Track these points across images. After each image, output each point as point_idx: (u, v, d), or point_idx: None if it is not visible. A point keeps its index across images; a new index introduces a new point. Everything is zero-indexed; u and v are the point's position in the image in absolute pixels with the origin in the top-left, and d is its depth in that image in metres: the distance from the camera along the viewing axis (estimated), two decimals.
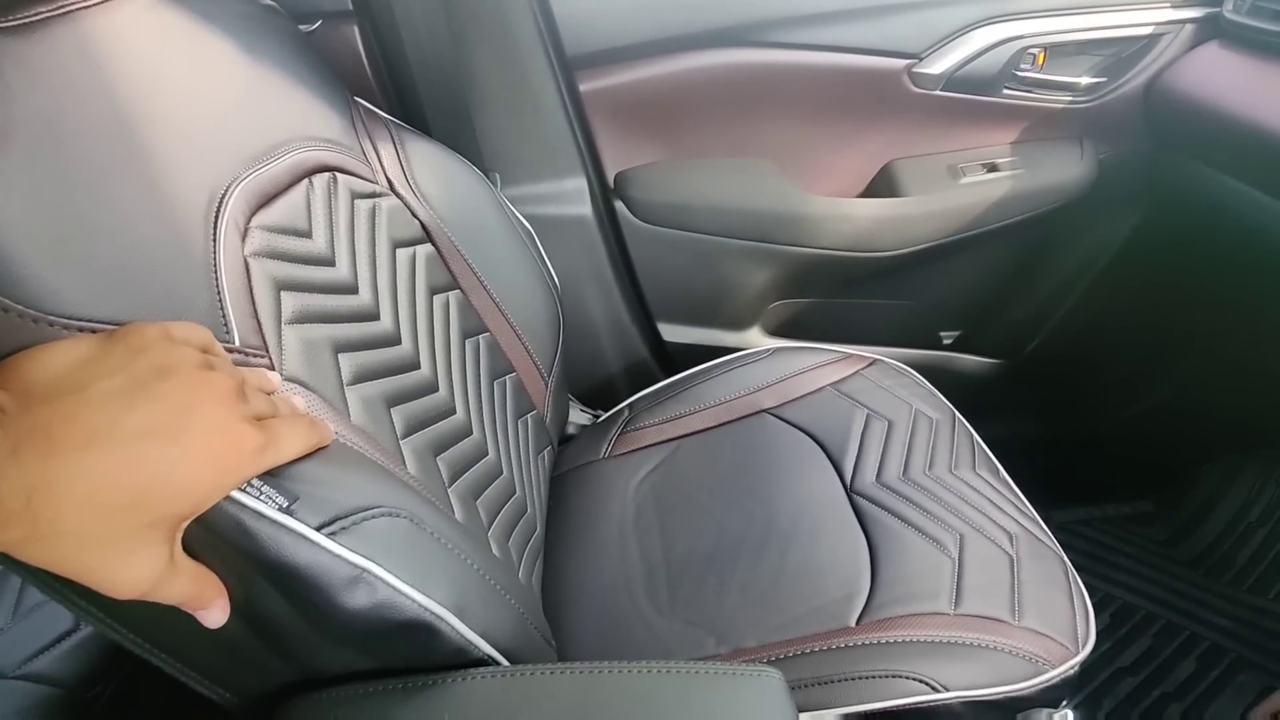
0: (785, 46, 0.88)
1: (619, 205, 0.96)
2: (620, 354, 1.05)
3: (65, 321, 0.35)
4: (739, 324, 1.08)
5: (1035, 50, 0.90)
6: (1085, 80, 0.92)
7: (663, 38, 0.86)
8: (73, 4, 0.46)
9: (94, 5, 0.48)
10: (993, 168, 0.97)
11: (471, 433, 0.69)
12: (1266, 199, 0.80)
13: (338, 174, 0.64)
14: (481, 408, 0.72)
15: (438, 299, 0.72)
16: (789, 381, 0.89)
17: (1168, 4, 0.88)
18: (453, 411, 0.67)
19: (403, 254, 0.69)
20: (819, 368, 0.90)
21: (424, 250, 0.72)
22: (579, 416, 0.99)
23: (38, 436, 0.28)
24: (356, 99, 0.74)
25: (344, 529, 0.39)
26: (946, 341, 1.17)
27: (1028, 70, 0.91)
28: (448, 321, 0.72)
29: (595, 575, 0.76)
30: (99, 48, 0.47)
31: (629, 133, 0.94)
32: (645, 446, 0.88)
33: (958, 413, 0.85)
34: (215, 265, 0.46)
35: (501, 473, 0.71)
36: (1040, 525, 0.73)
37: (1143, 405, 1.20)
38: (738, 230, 0.98)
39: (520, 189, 0.90)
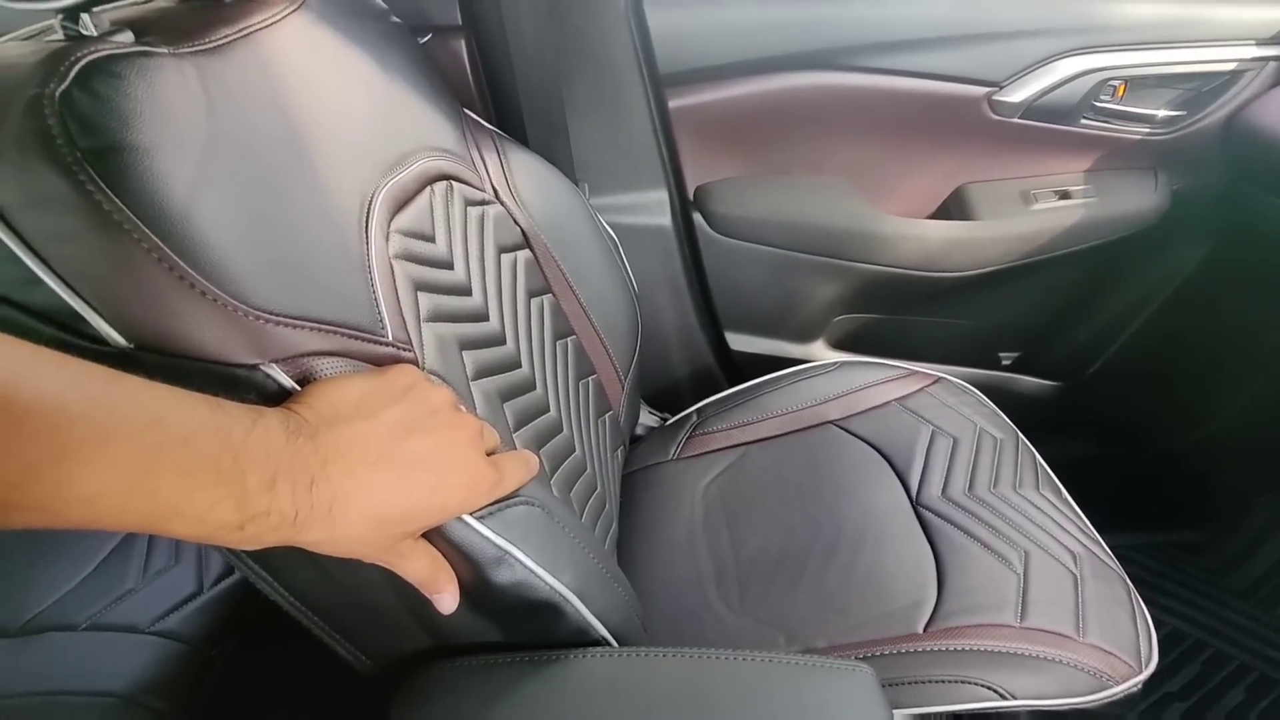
0: (870, 71, 0.90)
1: (697, 217, 1.00)
2: (688, 360, 1.08)
3: (267, 316, 0.40)
4: (805, 336, 1.11)
5: (1116, 82, 0.91)
6: (1163, 113, 0.94)
7: (751, 59, 0.90)
8: (252, 25, 0.51)
9: (267, 25, 0.53)
10: (1065, 195, 0.99)
11: (562, 429, 0.73)
12: None
13: (454, 182, 0.69)
14: (569, 406, 0.76)
15: (534, 302, 0.76)
16: (855, 395, 0.92)
17: (1252, 41, 0.89)
18: (547, 409, 0.71)
19: (506, 259, 0.74)
20: (884, 383, 0.93)
21: (523, 255, 0.76)
22: (647, 418, 1.03)
23: (340, 454, 0.34)
24: (465, 109, 0.79)
25: (492, 514, 0.43)
26: (1006, 362, 1.19)
27: (1107, 101, 0.93)
28: (542, 323, 0.76)
29: (667, 570, 0.80)
30: (272, 63, 0.52)
31: (711, 148, 0.97)
32: (713, 451, 0.91)
33: (1020, 433, 0.88)
34: (369, 266, 0.50)
35: (586, 469, 0.75)
36: (1102, 546, 0.75)
37: (1199, 434, 1.21)
38: (810, 246, 1.01)
39: (606, 198, 0.94)
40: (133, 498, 0.27)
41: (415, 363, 0.50)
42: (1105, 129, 0.95)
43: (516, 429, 0.63)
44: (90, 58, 0.38)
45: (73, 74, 0.36)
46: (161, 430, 0.27)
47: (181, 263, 0.36)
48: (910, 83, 0.92)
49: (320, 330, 0.42)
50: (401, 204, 0.60)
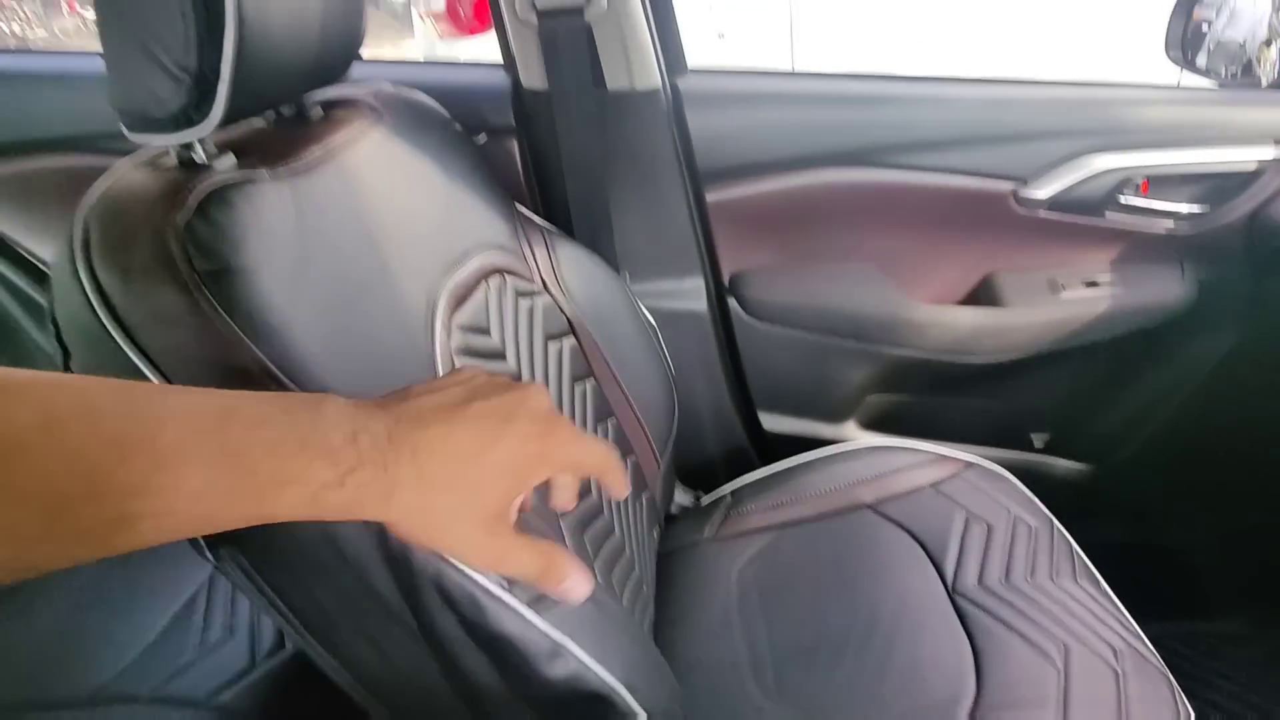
0: (897, 168, 0.95)
1: (732, 302, 1.04)
2: (722, 438, 1.11)
3: None
4: (837, 416, 1.13)
5: (1138, 179, 0.95)
6: (1186, 209, 0.97)
7: (784, 158, 0.95)
8: (338, 143, 0.57)
9: (351, 143, 0.58)
10: (1092, 284, 1.01)
11: (603, 513, 0.75)
12: None
13: (507, 275, 0.73)
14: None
15: (578, 386, 0.80)
16: (888, 478, 0.93)
17: (1270, 141, 0.92)
18: (589, 492, 0.74)
19: (553, 346, 0.77)
20: (918, 467, 0.94)
21: (568, 342, 0.80)
22: (681, 496, 1.05)
23: (408, 414, 0.34)
24: (516, 204, 0.85)
25: (547, 606, 0.45)
26: (1038, 444, 1.19)
27: (1130, 197, 0.96)
28: (585, 408, 0.80)
29: (704, 654, 0.80)
30: (354, 178, 0.57)
31: (746, 237, 1.02)
32: (749, 532, 0.93)
33: (1055, 520, 0.88)
34: (435, 364, 0.54)
35: (625, 550, 0.77)
36: (1143, 640, 0.75)
37: (1238, 521, 1.19)
38: (841, 330, 1.04)
39: (646, 285, 0.99)
40: (236, 480, 0.29)
41: None
42: (1130, 223, 0.98)
43: (564, 514, 0.65)
44: (208, 189, 0.43)
45: (194, 205, 0.41)
46: (237, 419, 0.30)
47: (279, 373, 0.40)
48: (937, 178, 0.96)
49: None
50: (461, 299, 0.64)
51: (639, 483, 0.88)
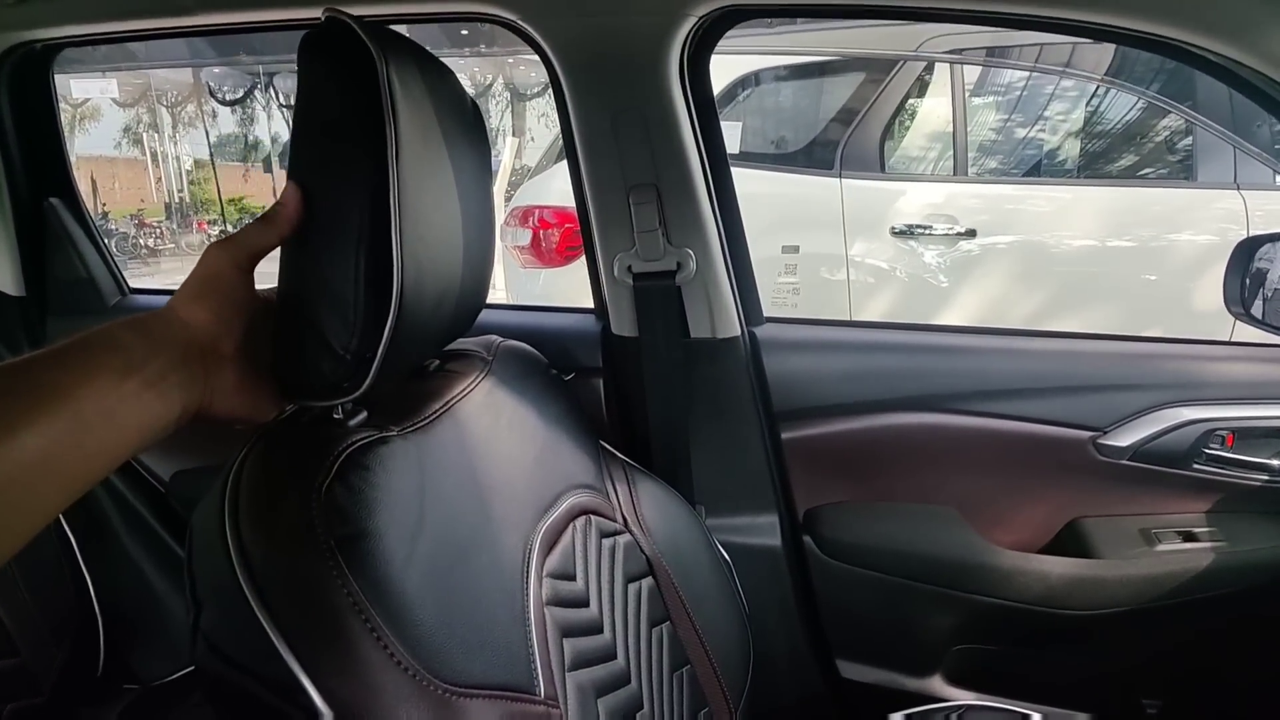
0: (972, 414, 0.97)
1: (806, 540, 1.02)
2: (797, 687, 1.04)
3: (453, 689, 0.43)
4: (922, 669, 1.05)
5: (1223, 432, 0.94)
6: (1278, 463, 0.94)
7: (858, 401, 0.98)
8: (454, 398, 0.62)
9: (464, 396, 0.63)
10: (1190, 537, 0.97)
11: None
12: None
13: (593, 516, 0.75)
14: None
15: (654, 631, 0.77)
16: None
17: None
18: None
19: (633, 588, 0.77)
20: None
21: (647, 583, 0.79)
22: None
23: None
24: (601, 442, 0.88)
25: None
26: (1151, 711, 1.08)
27: (1217, 449, 0.95)
28: (662, 655, 0.77)
29: None
30: (466, 430, 0.61)
31: (820, 474, 1.02)
32: None
33: None
34: (528, 619, 0.54)
35: None
36: None
37: None
38: (921, 574, 1.00)
39: (721, 520, 0.99)
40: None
41: None
42: (1221, 475, 0.95)
43: None
44: (346, 451, 0.47)
45: (334, 468, 0.45)
46: None
47: (394, 639, 0.41)
48: (1012, 425, 0.97)
49: (489, 698, 0.45)
50: (551, 545, 0.65)
51: None
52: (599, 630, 0.67)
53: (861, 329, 1.16)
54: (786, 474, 1.02)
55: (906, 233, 2.23)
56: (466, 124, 0.61)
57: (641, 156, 0.87)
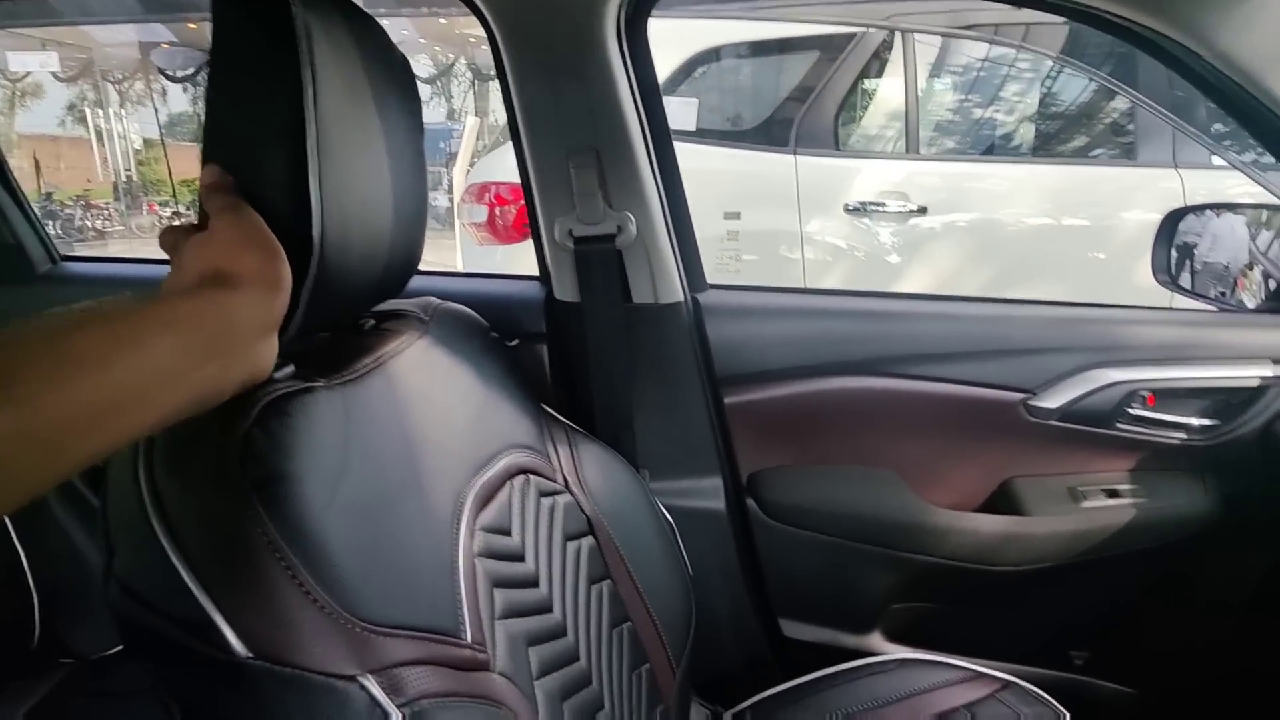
0: (908, 378, 0.99)
1: (750, 503, 1.04)
2: (741, 647, 1.06)
3: (372, 628, 0.43)
4: (861, 626, 1.08)
5: (1144, 392, 0.98)
6: (1198, 421, 0.99)
7: (799, 366, 1.00)
8: (386, 354, 0.62)
9: (398, 354, 0.63)
10: (1114, 493, 1.01)
11: None
12: None
13: (531, 475, 0.75)
14: (626, 702, 0.75)
15: (594, 589, 0.79)
16: (919, 699, 0.88)
17: (1268, 360, 0.96)
18: (602, 706, 0.70)
19: (571, 546, 0.78)
20: (949, 686, 0.89)
21: (587, 542, 0.80)
22: (698, 712, 0.98)
23: None
24: (543, 405, 0.89)
25: None
26: (1078, 662, 1.12)
27: (1139, 409, 0.98)
28: (601, 611, 0.78)
29: None
30: (398, 387, 0.61)
31: (763, 438, 1.04)
32: None
33: None
34: (456, 567, 0.55)
35: None
36: None
37: None
38: (861, 535, 1.03)
39: (664, 484, 1.00)
40: None
41: (487, 664, 0.53)
42: (1143, 434, 0.99)
43: None
44: (268, 399, 0.46)
45: (254, 415, 0.45)
46: None
47: (310, 579, 0.41)
48: (947, 388, 1.00)
49: (412, 638, 0.46)
50: (486, 500, 0.66)
51: (654, 696, 0.83)
52: (534, 584, 0.68)
53: (803, 295, 1.18)
54: (730, 438, 1.03)
55: (860, 210, 2.26)
56: (396, 79, 0.61)
57: (580, 119, 0.87)
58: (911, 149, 2.40)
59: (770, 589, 1.06)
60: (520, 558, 0.68)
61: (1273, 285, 1.08)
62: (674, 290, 0.96)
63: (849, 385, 1.01)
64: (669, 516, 0.93)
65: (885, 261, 2.28)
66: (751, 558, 1.05)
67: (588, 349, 0.92)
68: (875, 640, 1.10)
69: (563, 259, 0.93)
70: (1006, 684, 0.90)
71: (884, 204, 2.26)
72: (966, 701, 0.87)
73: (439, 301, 0.79)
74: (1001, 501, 1.05)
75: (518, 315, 1.01)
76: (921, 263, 2.25)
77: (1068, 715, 0.86)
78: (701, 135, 2.31)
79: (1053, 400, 0.99)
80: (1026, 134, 2.69)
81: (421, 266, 0.68)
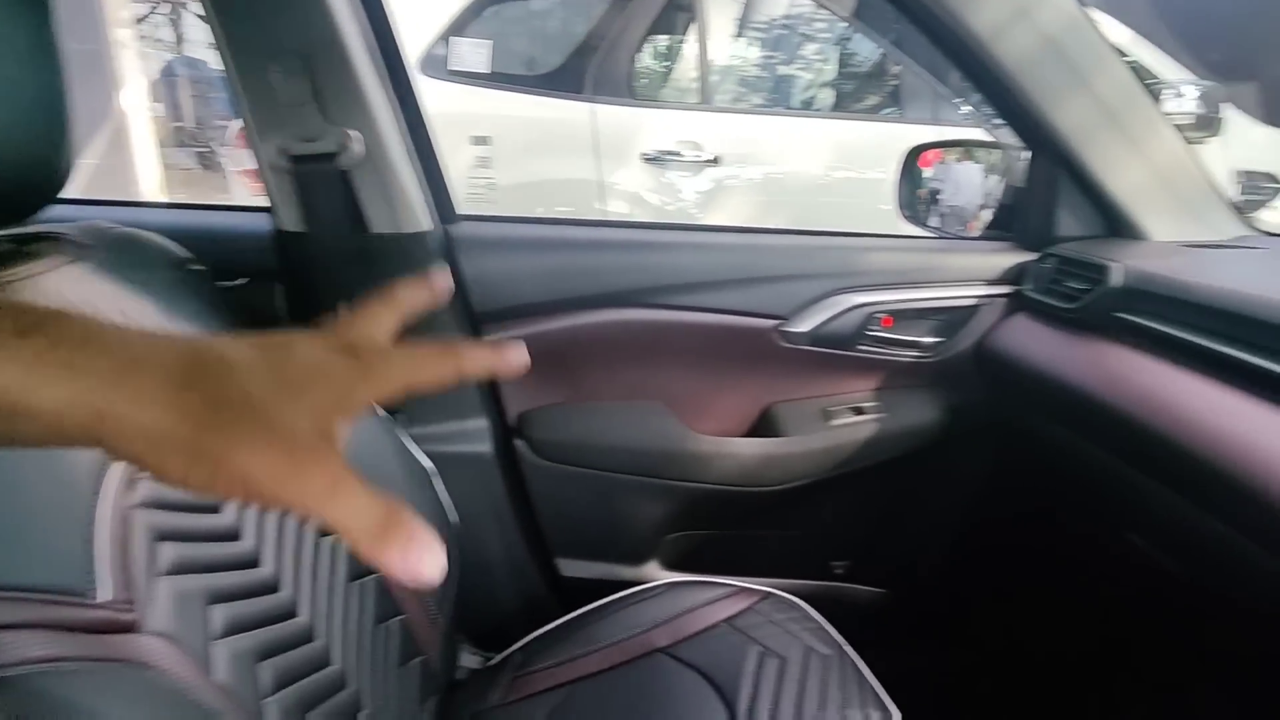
0: (670, 308, 1.00)
1: (519, 444, 1.01)
2: (518, 591, 1.04)
3: None
4: (637, 558, 1.10)
5: (881, 314, 1.05)
6: (927, 340, 1.08)
7: (561, 299, 0.98)
8: (15, 277, 0.51)
9: (31, 279, 0.52)
10: (859, 411, 1.09)
11: (346, 685, 0.66)
12: (1073, 435, 0.92)
13: None
14: (362, 657, 0.70)
15: (324, 540, 0.72)
16: (682, 619, 0.90)
17: (982, 282, 1.06)
18: (328, 663, 0.64)
19: None
20: (712, 603, 0.92)
21: None
22: (469, 660, 0.95)
23: None
24: None
25: None
26: (839, 571, 1.22)
27: (877, 330, 1.06)
28: (332, 564, 0.72)
29: None
30: None
31: (531, 377, 1.00)
32: (539, 692, 0.85)
33: (847, 647, 0.87)
34: (92, 519, 0.46)
35: None
36: None
37: (1035, 643, 1.24)
38: (632, 467, 1.04)
39: (425, 429, 0.94)
40: None
41: (132, 626, 0.45)
42: (881, 354, 1.07)
43: (278, 689, 0.56)
44: None
45: None
46: None
47: None
48: (707, 317, 1.01)
49: (13, 599, 0.38)
50: None
51: (409, 648, 0.78)
52: (233, 538, 0.60)
53: (559, 226, 1.16)
54: (495, 377, 0.99)
55: (657, 159, 2.28)
56: None
57: (282, 17, 0.76)
58: (705, 100, 2.45)
59: (545, 529, 1.05)
60: (212, 509, 0.60)
61: (987, 217, 1.19)
62: (418, 219, 0.89)
63: (611, 318, 1.00)
64: (430, 463, 0.88)
65: (683, 211, 2.32)
66: (524, 500, 1.03)
67: (319, 284, 0.84)
68: (652, 570, 1.12)
69: (283, 182, 0.83)
70: (766, 595, 0.94)
71: (680, 153, 2.29)
72: (727, 615, 0.91)
73: (113, 226, 0.67)
74: (764, 427, 1.10)
75: (248, 251, 0.90)
76: (716, 211, 2.32)
77: (822, 619, 0.92)
78: (495, 79, 2.21)
79: (803, 325, 1.04)
80: (815, 90, 2.84)
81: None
